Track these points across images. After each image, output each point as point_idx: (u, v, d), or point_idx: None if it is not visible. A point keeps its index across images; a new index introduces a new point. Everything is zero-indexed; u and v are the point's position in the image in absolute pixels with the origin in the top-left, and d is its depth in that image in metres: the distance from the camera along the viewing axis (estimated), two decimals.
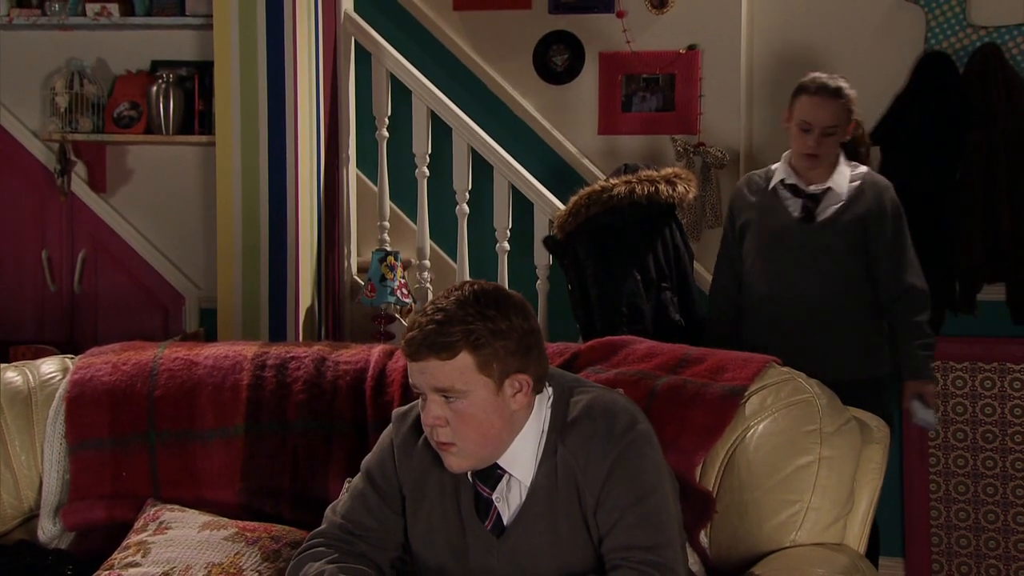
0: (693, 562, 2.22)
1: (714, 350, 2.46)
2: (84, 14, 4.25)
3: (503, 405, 1.99)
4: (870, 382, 3.48)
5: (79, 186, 4.39)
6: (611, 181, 3.75)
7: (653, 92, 4.54)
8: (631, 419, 2.03)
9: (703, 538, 2.26)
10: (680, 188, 3.71)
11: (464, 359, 1.96)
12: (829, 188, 3.48)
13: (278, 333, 4.00)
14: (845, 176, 3.50)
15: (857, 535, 2.31)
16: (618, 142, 4.59)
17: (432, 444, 2.04)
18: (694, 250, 3.98)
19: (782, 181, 3.53)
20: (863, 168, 3.56)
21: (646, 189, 3.64)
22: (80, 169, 4.40)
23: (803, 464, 2.23)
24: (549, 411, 2.06)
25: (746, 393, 2.28)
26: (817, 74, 3.54)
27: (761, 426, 2.26)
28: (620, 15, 4.52)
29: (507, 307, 2.00)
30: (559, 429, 2.04)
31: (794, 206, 3.50)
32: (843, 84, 3.49)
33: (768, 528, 2.21)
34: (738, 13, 4.48)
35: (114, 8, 4.22)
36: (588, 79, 4.61)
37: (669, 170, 3.78)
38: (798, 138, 3.48)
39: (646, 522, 1.97)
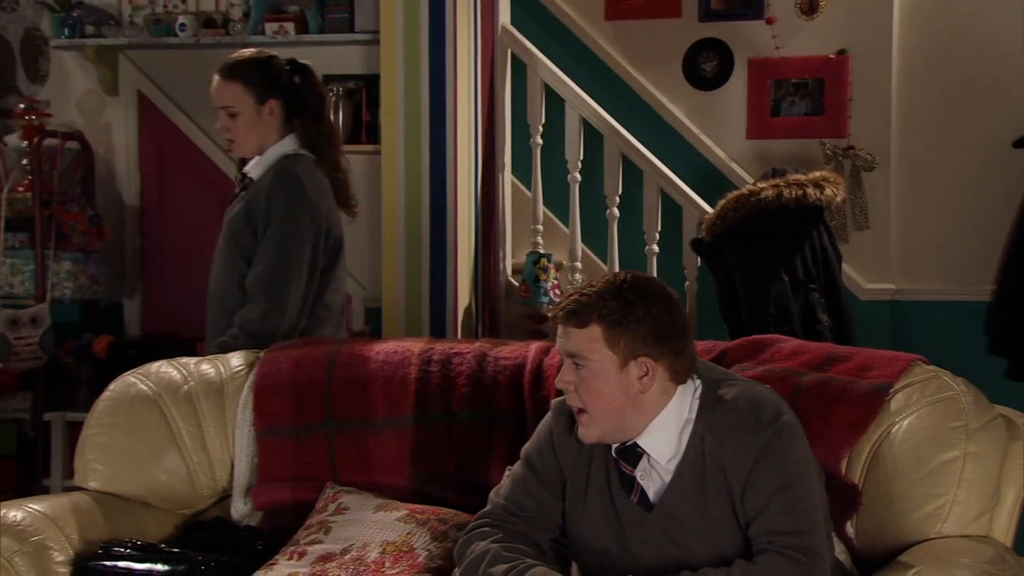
0: (840, 551, 2.27)
1: (860, 349, 2.50)
2: (263, 32, 4.47)
3: (627, 383, 2.12)
4: None
5: None
6: (759, 185, 3.77)
7: (802, 97, 4.56)
8: (776, 410, 2.12)
9: (849, 528, 2.30)
10: (828, 191, 3.71)
11: (594, 330, 2.11)
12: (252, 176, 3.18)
13: (438, 331, 4.12)
14: (266, 162, 3.16)
15: (1004, 529, 2.32)
16: (767, 146, 4.61)
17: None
18: (842, 252, 3.97)
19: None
20: (287, 151, 3.17)
21: (794, 192, 3.66)
22: None
23: (948, 459, 2.25)
24: (697, 401, 2.16)
25: (891, 390, 2.32)
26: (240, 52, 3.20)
27: (906, 422, 2.29)
28: (770, 21, 4.55)
29: (650, 297, 2.13)
30: (706, 418, 2.14)
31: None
32: (250, 60, 3.15)
33: (913, 520, 2.25)
34: (889, 16, 4.45)
35: (290, 27, 4.44)
36: (737, 85, 4.63)
37: (817, 173, 3.79)
38: None
39: (792, 508, 2.05)
